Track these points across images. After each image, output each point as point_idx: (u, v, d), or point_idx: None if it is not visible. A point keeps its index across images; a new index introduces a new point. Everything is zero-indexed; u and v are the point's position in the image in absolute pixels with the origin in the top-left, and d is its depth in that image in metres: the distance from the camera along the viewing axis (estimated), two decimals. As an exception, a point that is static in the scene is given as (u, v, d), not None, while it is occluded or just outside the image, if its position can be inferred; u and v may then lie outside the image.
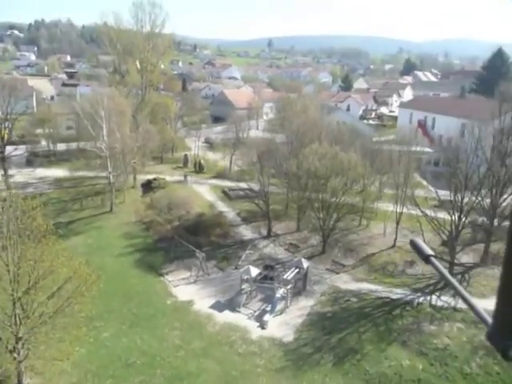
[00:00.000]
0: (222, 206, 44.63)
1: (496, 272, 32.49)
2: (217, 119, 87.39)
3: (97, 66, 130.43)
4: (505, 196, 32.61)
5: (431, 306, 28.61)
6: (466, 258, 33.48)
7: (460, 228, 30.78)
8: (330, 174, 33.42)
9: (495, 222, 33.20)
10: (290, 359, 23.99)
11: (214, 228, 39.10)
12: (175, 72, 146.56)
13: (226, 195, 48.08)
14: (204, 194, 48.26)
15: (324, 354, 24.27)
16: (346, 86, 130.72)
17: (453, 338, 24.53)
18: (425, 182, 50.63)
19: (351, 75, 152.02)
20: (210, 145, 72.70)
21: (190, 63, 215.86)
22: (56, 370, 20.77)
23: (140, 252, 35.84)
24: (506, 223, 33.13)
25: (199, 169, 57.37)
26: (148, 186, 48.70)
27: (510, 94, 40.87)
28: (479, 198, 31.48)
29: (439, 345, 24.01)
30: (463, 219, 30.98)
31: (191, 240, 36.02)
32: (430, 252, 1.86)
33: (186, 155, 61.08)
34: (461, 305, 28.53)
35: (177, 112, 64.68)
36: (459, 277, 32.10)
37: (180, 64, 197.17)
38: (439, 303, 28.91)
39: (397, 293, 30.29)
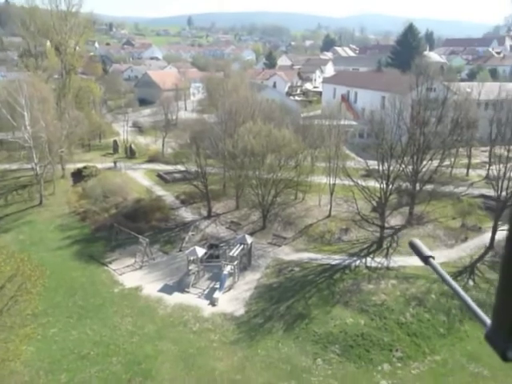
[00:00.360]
0: (160, 190, 44.22)
1: (420, 231, 35.80)
2: (143, 102, 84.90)
3: (1, 49, 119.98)
4: (424, 162, 35.62)
5: (367, 267, 30.99)
6: (394, 220, 36.34)
7: (388, 194, 33.28)
8: (265, 151, 34.39)
9: (417, 187, 36.27)
10: (242, 331, 25.05)
11: (153, 213, 38.79)
12: (91, 53, 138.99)
13: (162, 179, 47.60)
14: (139, 180, 47.39)
15: (274, 323, 25.61)
16: (271, 63, 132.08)
17: (388, 294, 26.99)
18: (352, 154, 53.61)
19: (274, 52, 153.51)
20: (139, 129, 70.82)
21: (107, 44, 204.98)
22: (6, 372, 20.10)
23: (78, 243, 34.79)
24: (427, 187, 36.41)
25: (131, 154, 55.92)
26: (79, 175, 46.80)
27: (425, 67, 44.04)
28: (403, 166, 34.16)
29: (377, 301, 26.32)
30: (390, 186, 33.50)
31: (131, 226, 35.59)
32: (429, 253, 1.86)
33: (115, 141, 59.13)
34: (393, 264, 31.31)
35: (102, 96, 61.94)
36: (389, 238, 34.94)
37: (96, 45, 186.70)
38: (374, 264, 31.40)
39: (335, 259, 32.33)
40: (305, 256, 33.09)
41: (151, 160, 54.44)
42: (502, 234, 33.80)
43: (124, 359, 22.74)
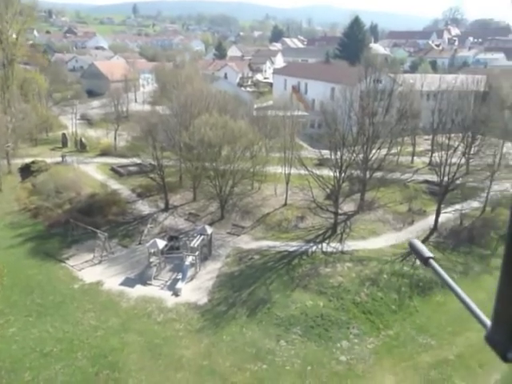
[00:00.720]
0: (115, 184, 43.56)
1: (371, 216, 37.78)
2: (90, 93, 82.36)
3: None
4: (373, 151, 37.50)
5: (323, 252, 32.47)
6: (347, 207, 38.05)
7: (341, 182, 34.88)
8: (222, 142, 34.89)
9: (367, 174, 38.17)
10: (207, 319, 25.68)
11: (109, 207, 38.28)
12: (31, 42, 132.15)
13: (117, 172, 46.85)
14: (92, 174, 46.39)
15: (238, 309, 26.43)
16: (221, 53, 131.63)
17: (344, 276, 28.54)
18: (305, 144, 55.17)
19: (224, 43, 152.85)
20: (88, 121, 68.80)
21: (47, 32, 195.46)
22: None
23: (32, 241, 33.81)
24: (376, 174, 38.35)
25: (81, 147, 54.44)
26: (27, 171, 45.09)
27: (372, 60, 46.00)
28: (354, 155, 35.82)
29: (334, 283, 27.79)
30: (343, 174, 35.10)
31: (87, 221, 35.04)
32: (430, 254, 1.85)
33: (64, 134, 57.23)
34: (347, 248, 32.97)
35: (47, 88, 59.59)
36: (343, 224, 36.64)
37: (35, 33, 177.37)
38: (329, 249, 32.92)
39: (293, 245, 33.54)
40: (264, 244, 34.05)
41: (103, 153, 53.29)
42: (445, 216, 36.49)
43: (89, 353, 22.72)
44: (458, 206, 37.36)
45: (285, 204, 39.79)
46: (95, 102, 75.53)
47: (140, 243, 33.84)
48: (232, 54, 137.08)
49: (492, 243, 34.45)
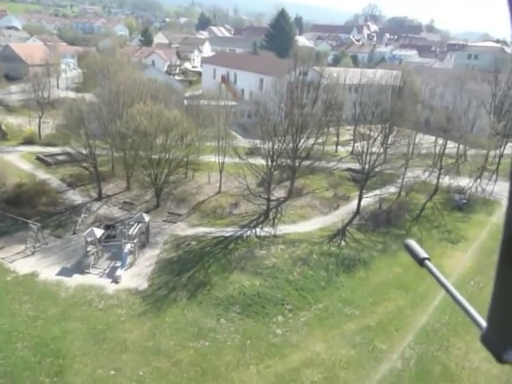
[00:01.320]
0: (42, 174, 42.01)
1: (301, 202, 40.28)
2: (6, 78, 77.03)
3: None
4: (302, 140, 39.91)
5: (257, 236, 34.30)
6: (278, 193, 40.21)
7: (272, 170, 36.86)
8: (157, 131, 35.27)
9: (297, 163, 40.55)
10: (148, 303, 26.42)
11: (39, 197, 37.05)
12: None
13: (43, 162, 45.12)
14: (16, 163, 44.27)
15: (178, 292, 27.45)
16: (147, 40, 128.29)
17: (278, 257, 30.62)
18: (234, 133, 56.61)
19: (150, 29, 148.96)
20: (6, 107, 64.74)
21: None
22: None
23: (-47, 234, 32.03)
24: (305, 162, 40.86)
25: (2, 135, 51.40)
26: None
27: (301, 53, 48.39)
28: (284, 144, 37.93)
29: (269, 264, 29.75)
30: (274, 163, 37.08)
31: (15, 212, 33.83)
32: (425, 255, 1.85)
33: (-20, 121, 53.58)
34: (279, 232, 35.10)
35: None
36: (274, 210, 38.75)
37: None
38: (262, 233, 34.80)
39: (228, 231, 35.01)
40: (200, 230, 35.15)
41: (26, 142, 50.80)
42: (366, 200, 39.97)
43: (30, 343, 22.60)
44: (377, 191, 41.09)
45: (219, 192, 41.09)
46: (13, 87, 70.93)
47: (74, 233, 33.40)
48: (159, 41, 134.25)
49: (406, 224, 38.52)
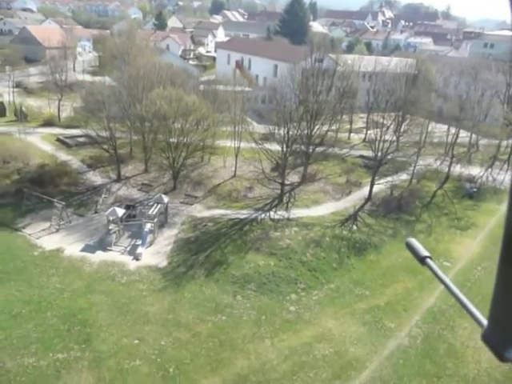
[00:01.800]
0: (63, 155, 43.45)
1: (314, 187, 41.24)
2: (24, 60, 78.38)
3: None
4: (316, 127, 40.67)
5: (271, 219, 35.46)
6: (291, 178, 41.20)
7: (287, 155, 37.81)
8: (176, 115, 36.31)
9: (310, 149, 41.39)
10: (168, 280, 27.81)
11: (61, 177, 38.52)
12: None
13: (64, 143, 46.51)
14: (38, 144, 45.74)
15: (196, 270, 28.79)
16: (161, 24, 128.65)
17: (292, 239, 31.78)
18: (249, 119, 57.41)
19: (164, 12, 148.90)
20: (25, 89, 66.09)
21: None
22: None
23: (-18, 211, 33.60)
24: (318, 149, 41.69)
25: (22, 117, 52.75)
26: (-34, 140, 43.49)
27: (318, 40, 48.79)
28: (299, 131, 38.77)
29: (283, 245, 30.94)
30: (289, 148, 38.01)
31: (39, 192, 35.30)
32: (426, 253, 1.83)
33: (1, 103, 54.99)
34: (292, 216, 36.17)
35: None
36: (288, 194, 39.79)
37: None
38: (276, 217, 35.96)
39: (243, 213, 36.18)
40: (216, 212, 36.38)
41: (46, 124, 52.24)
42: (378, 187, 40.81)
43: (59, 313, 24.11)
44: (389, 178, 41.90)
45: (234, 175, 42.20)
46: (31, 69, 72.26)
47: (96, 212, 34.82)
48: (173, 25, 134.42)
49: (416, 210, 39.37)
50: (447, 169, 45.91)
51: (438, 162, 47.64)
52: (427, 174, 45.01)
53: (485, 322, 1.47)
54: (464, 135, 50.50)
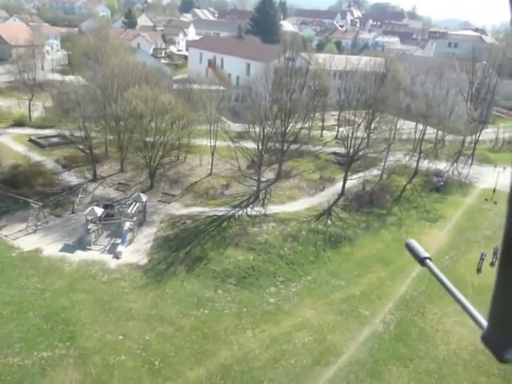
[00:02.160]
0: (37, 155, 42.90)
1: (289, 184, 42.27)
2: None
3: None
4: (291, 124, 41.70)
5: (248, 215, 36.25)
6: (267, 176, 42.10)
7: (263, 153, 38.67)
8: (153, 115, 36.60)
9: (285, 146, 42.41)
10: (149, 277, 28.22)
11: (35, 178, 38.12)
12: None
13: (36, 144, 45.90)
14: (10, 145, 44.98)
15: (177, 267, 29.31)
16: (130, 22, 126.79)
17: (270, 234, 32.69)
18: (224, 118, 57.98)
19: (133, 10, 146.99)
20: (-10, 89, 64.50)
21: None
22: None
23: (-46, 213, 33.04)
24: (293, 146, 42.75)
25: (-9, 117, 51.68)
26: None
27: (290, 39, 49.78)
28: (274, 128, 39.68)
29: (261, 240, 31.81)
30: (264, 146, 38.87)
31: (14, 193, 34.97)
32: (426, 254, 1.83)
33: (-33, 103, 53.65)
34: (269, 212, 37.07)
35: None
36: (264, 191, 40.67)
37: None
38: (253, 213, 36.77)
39: (221, 210, 36.83)
40: (194, 210, 36.90)
41: (17, 124, 51.30)
42: (350, 182, 42.21)
43: (41, 313, 24.21)
44: (361, 174, 43.40)
45: (210, 173, 42.78)
46: (-4, 69, 70.42)
47: (73, 212, 34.77)
48: (142, 23, 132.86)
49: (387, 204, 41.00)
50: (415, 164, 47.87)
51: (407, 158, 49.59)
52: (397, 169, 46.83)
53: (484, 323, 1.46)
54: (431, 131, 52.65)
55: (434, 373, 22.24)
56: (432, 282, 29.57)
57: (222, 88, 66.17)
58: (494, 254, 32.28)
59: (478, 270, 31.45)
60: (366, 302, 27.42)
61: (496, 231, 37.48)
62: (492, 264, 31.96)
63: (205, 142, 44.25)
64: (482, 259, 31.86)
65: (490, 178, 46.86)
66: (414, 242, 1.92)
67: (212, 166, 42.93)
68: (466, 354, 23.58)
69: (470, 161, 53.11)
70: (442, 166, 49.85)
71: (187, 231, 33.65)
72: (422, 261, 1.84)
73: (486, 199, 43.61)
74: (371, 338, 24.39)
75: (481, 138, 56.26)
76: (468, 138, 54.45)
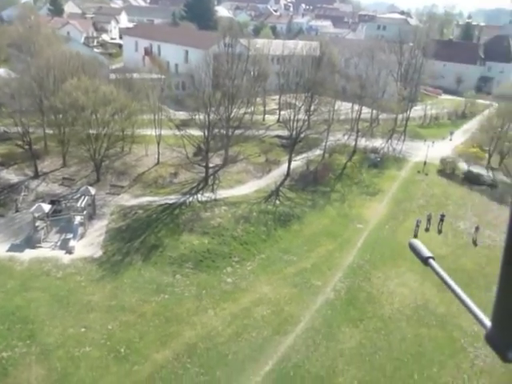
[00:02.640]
0: (-31, 155, 40.73)
1: (237, 168, 43.23)
2: None
3: None
4: (234, 110, 42.49)
5: (199, 201, 36.92)
6: (215, 161, 42.75)
7: (209, 139, 39.26)
8: (95, 106, 35.96)
9: (230, 132, 43.21)
10: (105, 269, 28.28)
11: (-30, 178, 36.41)
12: None
13: (-33, 142, 43.40)
14: None
15: (133, 256, 29.55)
16: (56, 9, 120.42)
17: (222, 217, 33.65)
18: (165, 107, 57.60)
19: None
20: None
21: None
22: None
23: None
24: (237, 131, 43.64)
25: None
26: None
27: (225, 25, 50.16)
28: (219, 115, 40.32)
29: (215, 224, 32.71)
30: (210, 132, 39.45)
31: None
32: (429, 254, 1.84)
33: None
34: (219, 196, 37.91)
35: None
36: (212, 177, 41.41)
37: None
38: (204, 199, 37.49)
39: (172, 198, 37.16)
40: (144, 200, 36.94)
41: None
42: (295, 163, 43.96)
43: (-5, 314, 23.72)
44: (304, 155, 45.30)
45: (158, 163, 42.75)
46: None
47: (17, 211, 33.69)
48: (70, 10, 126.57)
49: (331, 182, 43.24)
50: (354, 142, 50.55)
51: (346, 137, 52.25)
52: (337, 149, 49.23)
53: (488, 323, 1.47)
54: (366, 111, 55.63)
55: (382, 329, 24.51)
56: (375, 250, 32.09)
57: (162, 76, 65.58)
58: (428, 220, 35.40)
59: (415, 236, 34.27)
60: (317, 273, 29.27)
61: (428, 200, 40.90)
62: (427, 229, 35.08)
63: (149, 131, 44.02)
64: (417, 226, 34.80)
65: (420, 152, 50.62)
66: (417, 242, 1.94)
67: (159, 155, 42.89)
68: (409, 311, 26.10)
69: (402, 137, 56.79)
70: (377, 143, 53.01)
71: (139, 221, 33.77)
72: (425, 260, 1.84)
73: (419, 171, 47.15)
74: (324, 306, 26.25)
75: (411, 115, 60.19)
76: (400, 116, 58.07)
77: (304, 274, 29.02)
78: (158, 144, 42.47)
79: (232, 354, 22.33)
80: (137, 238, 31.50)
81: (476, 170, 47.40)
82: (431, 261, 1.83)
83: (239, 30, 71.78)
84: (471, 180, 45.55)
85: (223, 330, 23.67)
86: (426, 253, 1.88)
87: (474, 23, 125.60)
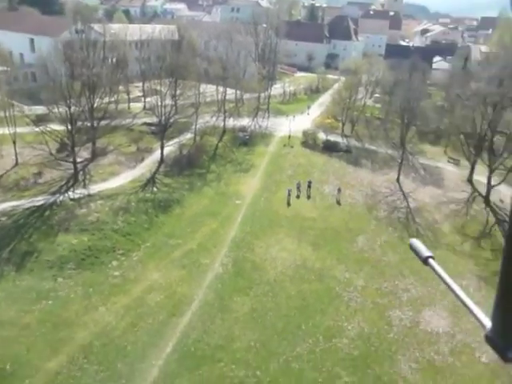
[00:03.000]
0: None
1: (107, 161, 41.66)
2: None
3: None
4: (97, 100, 40.59)
5: (71, 199, 34.98)
6: (83, 155, 40.48)
7: (73, 133, 37.06)
8: None
9: (95, 123, 41.25)
10: (-28, 285, 25.51)
11: None
12: None
13: None
14: None
15: (3, 267, 27.00)
16: None
17: (100, 212, 32.47)
18: (16, 103, 52.25)
19: None
20: None
21: None
22: None
23: None
24: (103, 122, 41.84)
25: None
26: None
27: (73, 9, 47.03)
28: (81, 106, 38.20)
29: (93, 219, 31.46)
30: (74, 126, 37.23)
31: None
32: (429, 253, 1.82)
33: None
34: (92, 191, 36.30)
35: None
36: (81, 172, 39.36)
37: None
38: (76, 196, 35.60)
39: (39, 200, 34.43)
40: (6, 206, 33.63)
41: None
42: (168, 149, 43.97)
43: None
44: (176, 140, 45.45)
45: (16, 164, 39.09)
46: None
47: None
48: None
49: (205, 163, 44.34)
50: (223, 123, 52.16)
51: (215, 119, 53.57)
52: (208, 130, 50.34)
53: (488, 323, 1.48)
54: (230, 92, 57.46)
55: (269, 292, 26.64)
56: (255, 222, 34.25)
57: (6, 68, 59.04)
58: (298, 188, 38.74)
59: (288, 204, 37.36)
60: (203, 252, 30.29)
61: (296, 170, 44.53)
62: (297, 196, 38.38)
63: (1, 130, 39.81)
64: (289, 195, 37.85)
65: (284, 127, 54.43)
66: (417, 242, 1.91)
67: (16, 155, 39.17)
68: (290, 271, 28.70)
69: (266, 114, 60.17)
70: (245, 122, 55.46)
71: (5, 229, 30.81)
72: (425, 260, 1.82)
73: (285, 145, 50.76)
74: (214, 281, 27.46)
75: (272, 93, 63.88)
76: (262, 95, 61.28)
77: (191, 255, 29.79)
78: (14, 143, 38.75)
79: (130, 344, 22.30)
80: (5, 247, 28.80)
81: (333, 138, 52.68)
82: (431, 260, 1.81)
83: (89, 14, 67.54)
84: (330, 148, 50.57)
85: (118, 324, 23.40)
86: (426, 252, 1.85)
87: (318, 4, 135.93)
